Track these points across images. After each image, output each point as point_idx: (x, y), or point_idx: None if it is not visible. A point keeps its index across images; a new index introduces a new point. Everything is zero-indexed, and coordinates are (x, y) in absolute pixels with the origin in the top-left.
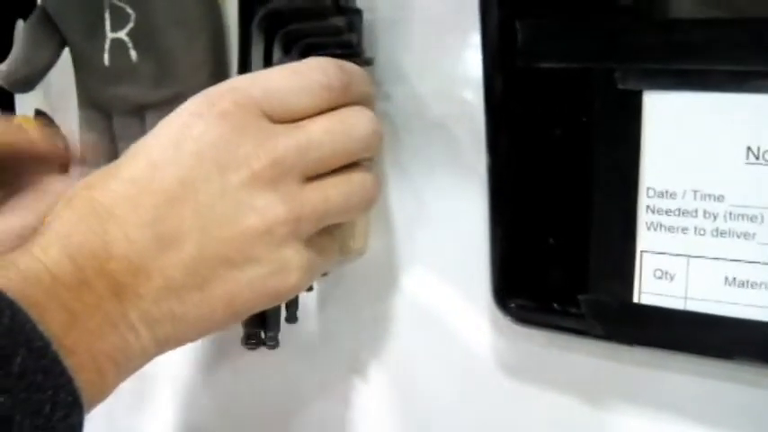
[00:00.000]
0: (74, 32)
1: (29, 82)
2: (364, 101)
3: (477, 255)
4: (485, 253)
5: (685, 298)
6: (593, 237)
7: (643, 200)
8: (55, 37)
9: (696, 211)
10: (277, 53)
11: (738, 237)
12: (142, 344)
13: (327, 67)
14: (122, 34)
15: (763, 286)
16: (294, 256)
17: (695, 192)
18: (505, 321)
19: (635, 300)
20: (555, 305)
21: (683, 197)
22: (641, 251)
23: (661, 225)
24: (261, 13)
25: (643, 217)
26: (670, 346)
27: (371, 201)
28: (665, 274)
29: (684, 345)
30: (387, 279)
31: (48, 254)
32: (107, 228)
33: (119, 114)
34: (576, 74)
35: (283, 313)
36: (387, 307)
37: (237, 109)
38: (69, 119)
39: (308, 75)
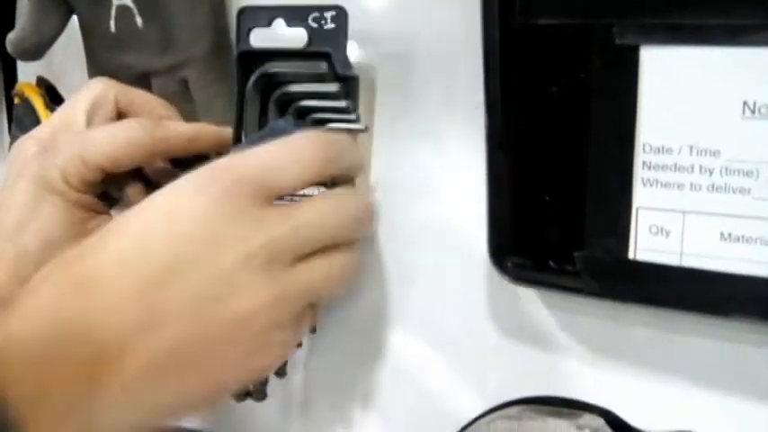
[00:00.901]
0: (80, 0)
1: (38, 50)
2: (354, 170)
3: (476, 219)
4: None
5: (681, 254)
6: (589, 193)
7: (639, 156)
8: (62, 5)
9: (692, 166)
10: (272, 113)
11: (734, 192)
12: (112, 426)
13: (321, 141)
14: (128, 0)
15: (758, 241)
16: (277, 335)
17: (691, 147)
18: (503, 282)
19: (630, 256)
20: (551, 263)
21: (680, 153)
22: (637, 207)
23: (657, 181)
24: (257, 73)
25: (639, 173)
26: (665, 303)
27: (349, 280)
28: (660, 230)
29: (680, 302)
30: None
31: (27, 324)
32: (90, 303)
33: (126, 81)
34: (573, 30)
35: None
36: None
37: (234, 187)
38: (73, 87)
39: (304, 151)
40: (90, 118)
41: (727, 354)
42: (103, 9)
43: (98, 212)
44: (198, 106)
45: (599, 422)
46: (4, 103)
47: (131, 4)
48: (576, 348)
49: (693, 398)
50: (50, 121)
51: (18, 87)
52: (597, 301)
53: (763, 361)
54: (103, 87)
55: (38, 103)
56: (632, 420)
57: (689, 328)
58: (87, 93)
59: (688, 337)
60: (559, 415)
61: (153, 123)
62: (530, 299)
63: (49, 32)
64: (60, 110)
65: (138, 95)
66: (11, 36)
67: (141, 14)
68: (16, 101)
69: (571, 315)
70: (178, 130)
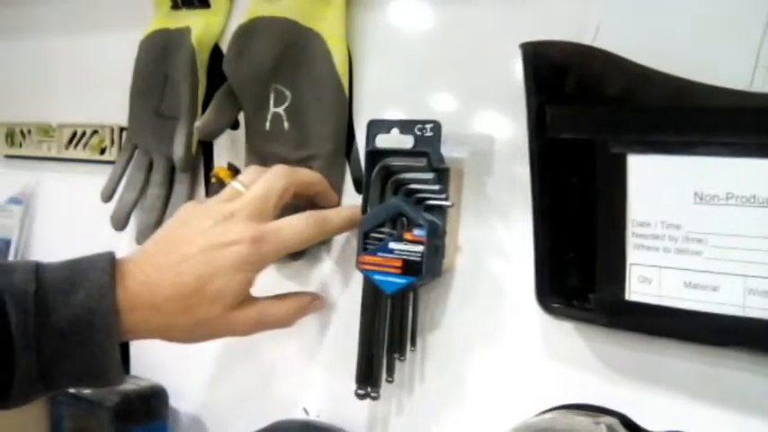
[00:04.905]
0: (248, 105)
1: (215, 134)
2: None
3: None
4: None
5: (659, 296)
6: (599, 253)
7: (629, 228)
8: (235, 107)
9: (664, 235)
10: (388, 193)
11: (691, 253)
12: None
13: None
14: (281, 109)
15: (709, 288)
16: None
17: (662, 222)
18: (546, 318)
19: (626, 297)
20: (575, 302)
21: (655, 226)
22: (630, 263)
23: (642, 245)
24: (379, 165)
25: (630, 240)
26: (651, 331)
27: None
28: (645, 279)
29: (660, 330)
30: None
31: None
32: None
33: (271, 164)
34: (583, 142)
35: (385, 376)
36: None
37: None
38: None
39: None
40: (277, 203)
41: (706, 373)
42: (263, 114)
43: None
44: None
45: (614, 421)
46: (203, 182)
47: (282, 113)
48: (603, 369)
49: (683, 408)
50: (249, 202)
51: (214, 171)
52: (619, 333)
53: (726, 378)
54: (285, 174)
55: (228, 182)
56: (642, 423)
57: (667, 352)
58: (277, 182)
59: (668, 360)
60: (583, 415)
61: (323, 220)
62: (567, 331)
63: (223, 123)
64: (257, 194)
65: (303, 174)
66: (197, 123)
67: (288, 120)
68: (213, 180)
69: (597, 342)
70: (336, 223)
